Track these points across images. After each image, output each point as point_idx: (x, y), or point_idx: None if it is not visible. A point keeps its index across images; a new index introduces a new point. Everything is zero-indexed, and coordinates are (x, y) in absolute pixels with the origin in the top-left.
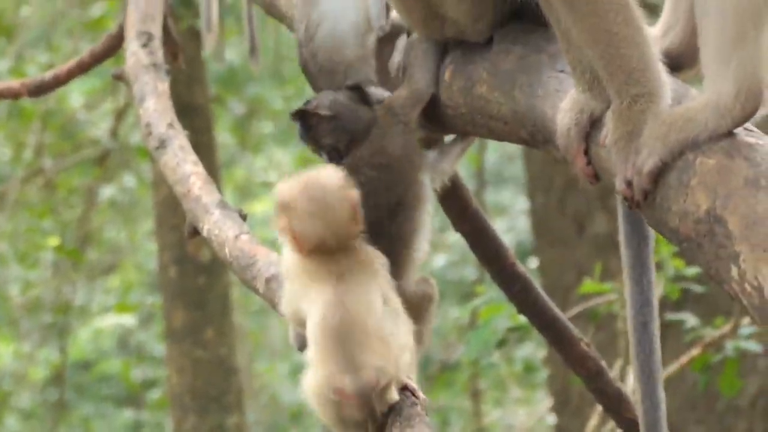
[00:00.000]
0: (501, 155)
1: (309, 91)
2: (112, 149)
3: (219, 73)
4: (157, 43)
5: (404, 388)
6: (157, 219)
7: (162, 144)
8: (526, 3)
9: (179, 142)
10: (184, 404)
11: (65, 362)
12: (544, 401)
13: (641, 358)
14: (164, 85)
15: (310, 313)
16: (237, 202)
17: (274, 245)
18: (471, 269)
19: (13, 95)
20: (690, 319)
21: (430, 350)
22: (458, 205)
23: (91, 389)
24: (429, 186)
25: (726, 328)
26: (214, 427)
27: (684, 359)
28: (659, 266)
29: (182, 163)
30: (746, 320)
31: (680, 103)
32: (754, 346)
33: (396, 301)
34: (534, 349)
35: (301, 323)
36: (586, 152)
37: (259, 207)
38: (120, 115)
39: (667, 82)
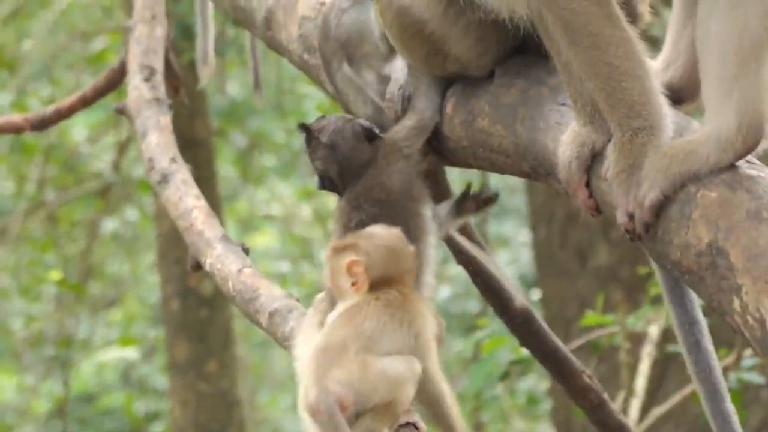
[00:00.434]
0: (503, 187)
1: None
2: (114, 182)
3: (221, 106)
4: (159, 78)
5: (407, 424)
6: (160, 252)
7: (164, 178)
8: (528, 36)
9: (181, 176)
10: None
11: (68, 395)
12: None
13: (702, 377)
14: (166, 120)
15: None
16: (239, 235)
17: (277, 278)
18: (474, 302)
19: (16, 130)
20: None
21: None
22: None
23: (94, 422)
24: (431, 219)
25: (729, 359)
26: None
27: (687, 391)
28: (661, 298)
29: (184, 197)
30: (749, 352)
31: (682, 135)
32: (756, 378)
33: (428, 340)
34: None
35: None
36: (588, 185)
37: (262, 240)
38: (122, 148)
39: (668, 115)
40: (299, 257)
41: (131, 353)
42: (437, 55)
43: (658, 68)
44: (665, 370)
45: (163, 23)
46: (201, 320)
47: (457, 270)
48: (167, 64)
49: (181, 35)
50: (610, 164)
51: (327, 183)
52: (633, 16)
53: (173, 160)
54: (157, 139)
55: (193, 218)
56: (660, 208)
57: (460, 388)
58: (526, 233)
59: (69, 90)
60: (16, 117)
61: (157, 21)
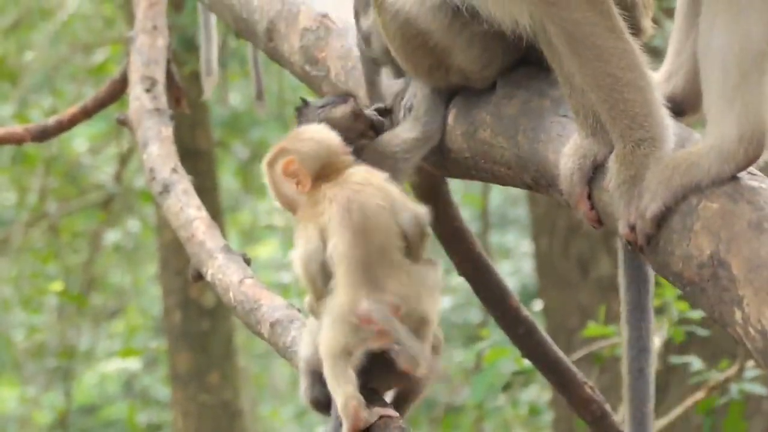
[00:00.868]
0: (505, 198)
1: None
2: (115, 193)
3: (222, 117)
4: (160, 88)
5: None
6: (162, 263)
7: (166, 189)
8: (530, 48)
9: (183, 186)
10: None
11: (70, 407)
12: None
13: (635, 404)
14: (168, 130)
15: (336, 246)
16: (241, 246)
17: (278, 289)
18: (476, 312)
19: (17, 141)
20: (695, 362)
21: (435, 393)
22: (462, 249)
23: None
24: None
25: (731, 370)
26: None
27: (689, 402)
28: (663, 309)
29: (186, 207)
30: (751, 363)
31: (683, 147)
32: (758, 389)
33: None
34: (539, 391)
35: (326, 276)
36: (590, 197)
37: (263, 250)
38: (124, 159)
39: (670, 127)
40: None
41: (133, 364)
42: (440, 67)
43: (659, 79)
44: (667, 382)
45: (165, 34)
46: (203, 331)
47: (458, 280)
48: (168, 74)
49: (183, 46)
50: (611, 175)
51: None
52: (636, 28)
53: (174, 170)
54: (159, 150)
55: (194, 229)
56: (662, 220)
57: (462, 398)
58: (527, 244)
59: (70, 101)
60: (18, 128)
61: (158, 32)
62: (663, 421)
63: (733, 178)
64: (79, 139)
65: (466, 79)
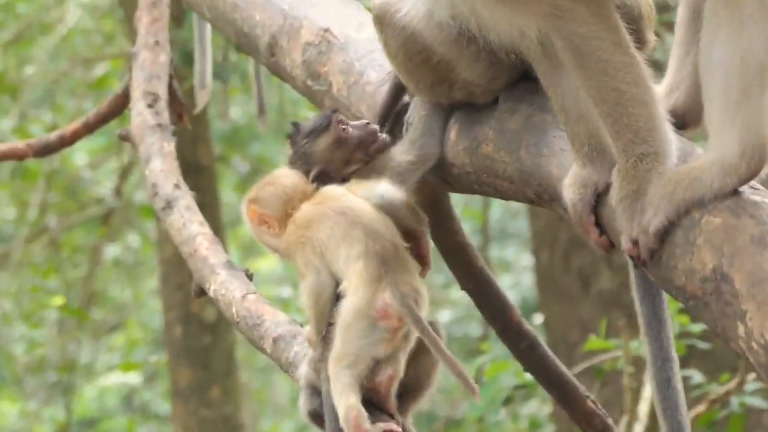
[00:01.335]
0: (505, 211)
1: None
2: (116, 208)
3: (223, 131)
4: (162, 104)
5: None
6: (162, 277)
7: (168, 204)
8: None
9: (185, 202)
10: None
11: (70, 420)
12: None
13: (669, 414)
14: (170, 146)
15: (350, 252)
16: (241, 261)
17: (278, 303)
18: (476, 326)
19: (20, 156)
20: (696, 376)
21: (435, 406)
22: (463, 262)
23: None
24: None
25: (731, 384)
26: None
27: (690, 415)
28: None
29: (188, 223)
30: (751, 376)
31: (686, 161)
32: (759, 402)
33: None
34: (540, 405)
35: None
36: (598, 223)
37: (264, 264)
38: (124, 173)
39: (673, 141)
40: None
41: (133, 378)
42: (443, 82)
43: (661, 93)
44: None
45: (167, 50)
46: (204, 346)
47: (459, 294)
48: (171, 90)
49: (184, 62)
50: (614, 190)
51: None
52: (640, 42)
53: (177, 186)
54: (161, 165)
55: (197, 244)
56: (664, 234)
57: (462, 412)
58: (528, 257)
59: (71, 116)
60: (20, 144)
61: (160, 47)
62: None
63: (736, 192)
64: (80, 154)
65: (470, 94)
